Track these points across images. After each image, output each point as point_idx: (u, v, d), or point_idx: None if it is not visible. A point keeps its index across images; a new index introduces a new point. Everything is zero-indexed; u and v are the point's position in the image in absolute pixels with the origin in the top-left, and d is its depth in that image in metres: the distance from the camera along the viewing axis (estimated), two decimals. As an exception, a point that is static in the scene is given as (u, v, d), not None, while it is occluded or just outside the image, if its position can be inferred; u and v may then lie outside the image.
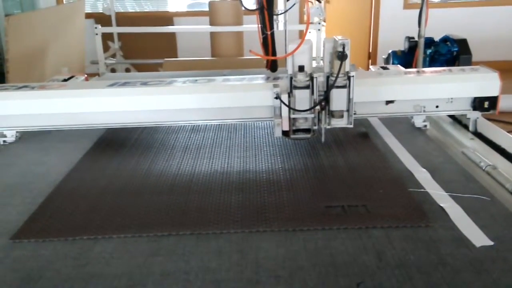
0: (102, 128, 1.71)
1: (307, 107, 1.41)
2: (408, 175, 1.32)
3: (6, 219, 1.16)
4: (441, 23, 4.08)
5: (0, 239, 1.07)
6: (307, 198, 1.21)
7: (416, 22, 2.69)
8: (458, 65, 3.13)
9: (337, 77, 1.35)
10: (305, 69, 1.40)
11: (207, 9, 4.10)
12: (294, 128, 1.45)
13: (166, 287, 0.89)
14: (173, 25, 5.58)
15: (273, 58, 1.57)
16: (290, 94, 1.42)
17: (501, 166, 1.34)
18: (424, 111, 1.61)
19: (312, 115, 1.42)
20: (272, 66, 1.65)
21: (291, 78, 1.41)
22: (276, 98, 1.40)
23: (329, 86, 1.40)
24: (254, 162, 1.44)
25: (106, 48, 4.69)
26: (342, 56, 1.32)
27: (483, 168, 1.35)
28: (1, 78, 2.71)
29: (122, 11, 5.75)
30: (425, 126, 1.69)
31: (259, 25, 1.57)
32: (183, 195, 1.25)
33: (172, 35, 5.58)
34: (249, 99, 1.53)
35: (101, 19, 4.93)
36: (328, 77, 1.41)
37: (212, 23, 4.00)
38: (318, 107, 1.40)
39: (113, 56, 5.21)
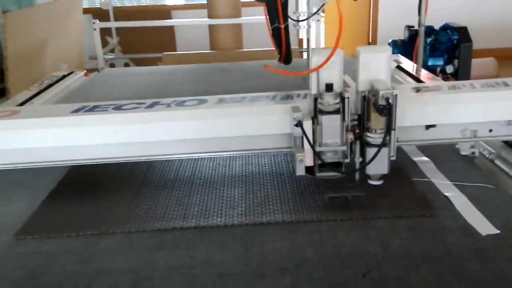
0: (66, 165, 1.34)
1: (338, 136, 1.10)
2: (412, 164, 1.32)
3: (9, 216, 1.16)
4: (441, 11, 4.06)
5: (4, 236, 1.07)
6: (311, 190, 1.20)
7: (415, 10, 2.67)
8: (459, 53, 3.12)
9: (384, 140, 1.06)
10: (334, 87, 1.09)
11: (205, 1, 4.07)
12: (320, 162, 1.14)
13: (171, 281, 0.89)
14: (171, 18, 5.56)
15: (291, 74, 1.21)
16: (314, 119, 1.12)
17: (504, 153, 1.34)
18: (474, 136, 1.27)
19: (344, 148, 1.12)
20: (286, 58, 1.34)
21: (315, 99, 1.11)
22: (297, 125, 1.11)
23: (364, 143, 1.10)
24: (256, 154, 1.43)
25: (104, 43, 4.67)
26: (387, 111, 1.03)
27: (487, 156, 1.34)
28: (1, 76, 2.70)
29: (119, 5, 5.73)
30: (473, 153, 1.36)
31: (267, 16, 1.29)
32: (185, 188, 1.24)
33: (170, 29, 5.57)
34: (258, 127, 1.22)
35: (98, 14, 4.91)
36: (364, 97, 1.09)
37: (210, 15, 3.98)
38: (351, 137, 1.11)
39: (112, 51, 5.20)
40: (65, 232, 1.07)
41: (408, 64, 2.13)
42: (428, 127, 1.26)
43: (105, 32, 4.92)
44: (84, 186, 1.29)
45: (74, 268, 0.94)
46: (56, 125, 1.23)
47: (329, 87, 1.08)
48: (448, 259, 0.91)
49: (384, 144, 1.07)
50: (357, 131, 1.11)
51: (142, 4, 5.84)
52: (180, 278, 0.90)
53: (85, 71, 2.47)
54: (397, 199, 1.14)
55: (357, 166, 1.14)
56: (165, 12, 5.58)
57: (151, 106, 1.27)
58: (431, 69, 3.10)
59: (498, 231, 0.99)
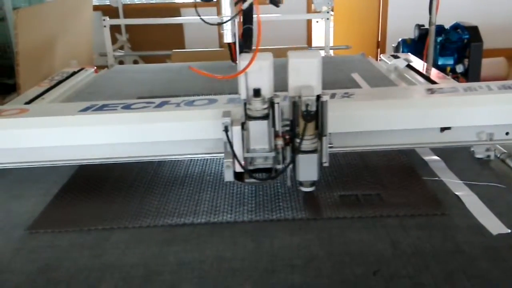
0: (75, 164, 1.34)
1: (266, 142, 1.07)
2: (422, 163, 1.31)
3: (21, 211, 1.17)
4: (452, 10, 4.04)
5: (16, 230, 1.08)
6: (321, 187, 1.20)
7: (426, 9, 2.66)
8: (469, 53, 3.10)
9: (299, 146, 1.05)
10: (263, 93, 1.06)
11: (214, -1, 4.07)
12: (251, 167, 1.11)
13: (182, 276, 0.90)
14: (180, 16, 5.57)
15: (221, 77, 1.11)
16: (244, 125, 1.08)
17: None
18: (491, 139, 1.25)
19: (272, 154, 1.09)
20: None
21: (245, 104, 1.08)
22: (225, 130, 1.07)
23: (294, 150, 1.08)
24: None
25: (114, 40, 4.69)
26: (308, 117, 1.02)
27: (498, 155, 1.33)
28: (11, 72, 2.73)
29: (129, 3, 5.75)
30: (488, 156, 1.33)
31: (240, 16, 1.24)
32: (196, 185, 1.25)
33: (180, 26, 5.58)
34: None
35: (108, 11, 4.93)
36: (294, 103, 1.06)
37: (219, 13, 3.99)
38: (280, 143, 1.08)
39: (121, 48, 5.23)
40: (77, 226, 1.08)
41: (418, 63, 2.13)
42: (443, 129, 1.24)
43: (114, 29, 4.94)
44: (95, 181, 1.30)
45: (86, 262, 0.95)
46: (64, 124, 1.23)
47: (256, 92, 1.05)
48: (458, 257, 0.91)
49: (299, 150, 1.05)
50: (287, 137, 1.09)
51: (152, 2, 5.85)
52: (191, 273, 0.90)
53: (95, 67, 2.48)
54: (408, 198, 1.13)
55: (288, 172, 1.11)
56: (174, 9, 5.59)
57: (160, 105, 1.26)
58: (441, 68, 3.09)
59: (509, 230, 0.99)
